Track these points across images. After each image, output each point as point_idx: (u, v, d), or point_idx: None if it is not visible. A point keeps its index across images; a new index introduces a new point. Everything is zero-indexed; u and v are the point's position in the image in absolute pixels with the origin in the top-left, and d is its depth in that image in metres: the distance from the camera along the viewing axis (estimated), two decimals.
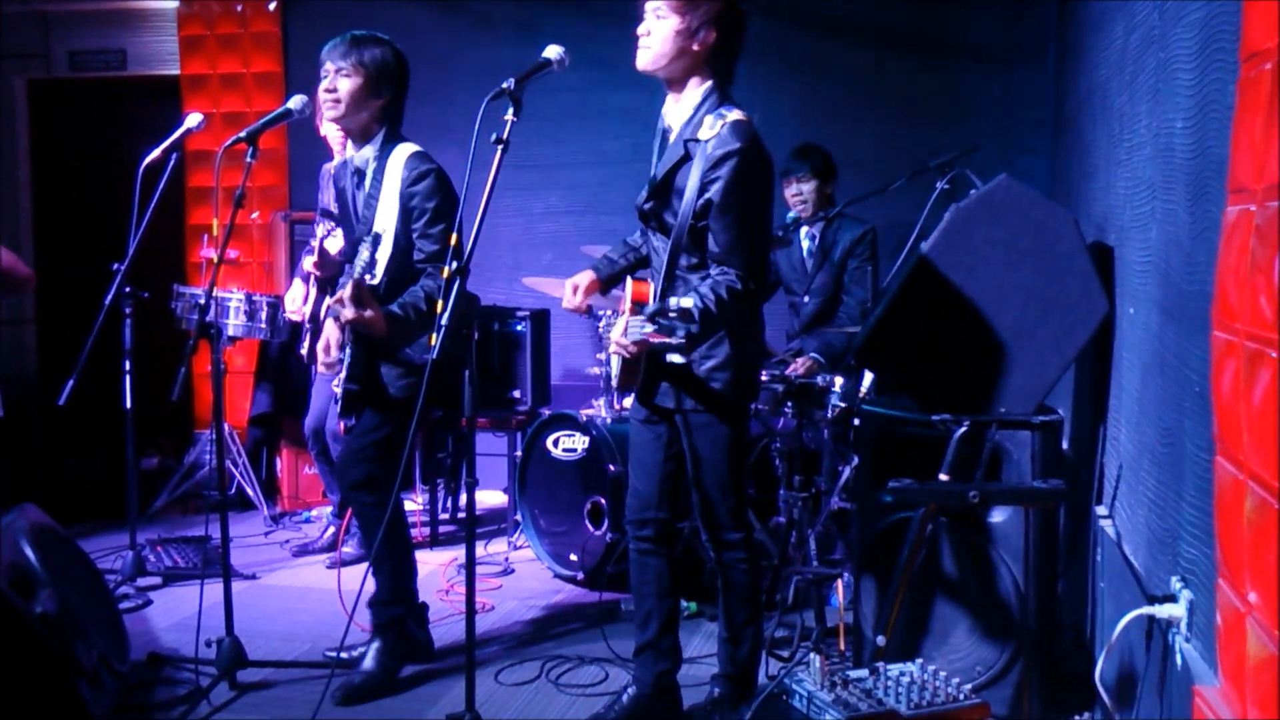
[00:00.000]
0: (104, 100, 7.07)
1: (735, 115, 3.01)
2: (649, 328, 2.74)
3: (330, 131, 4.91)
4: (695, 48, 3.00)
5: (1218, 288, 1.88)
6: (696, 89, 3.06)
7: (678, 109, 3.10)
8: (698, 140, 3.00)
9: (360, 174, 3.66)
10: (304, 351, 5.10)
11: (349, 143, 3.71)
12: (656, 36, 2.98)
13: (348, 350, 3.57)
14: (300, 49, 6.55)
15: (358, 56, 3.55)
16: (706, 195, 2.96)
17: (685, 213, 3.00)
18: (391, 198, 3.55)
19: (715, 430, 3.15)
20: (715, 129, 2.97)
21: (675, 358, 2.88)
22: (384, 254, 3.53)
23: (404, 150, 3.61)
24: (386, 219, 3.55)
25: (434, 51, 6.23)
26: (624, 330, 2.91)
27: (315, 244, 4.54)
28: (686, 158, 3.02)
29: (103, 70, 6.95)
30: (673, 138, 3.09)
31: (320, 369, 3.77)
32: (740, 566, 3.25)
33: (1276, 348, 1.58)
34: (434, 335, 2.82)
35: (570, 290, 3.33)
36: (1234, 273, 1.79)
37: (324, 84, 3.58)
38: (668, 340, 2.74)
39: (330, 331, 3.69)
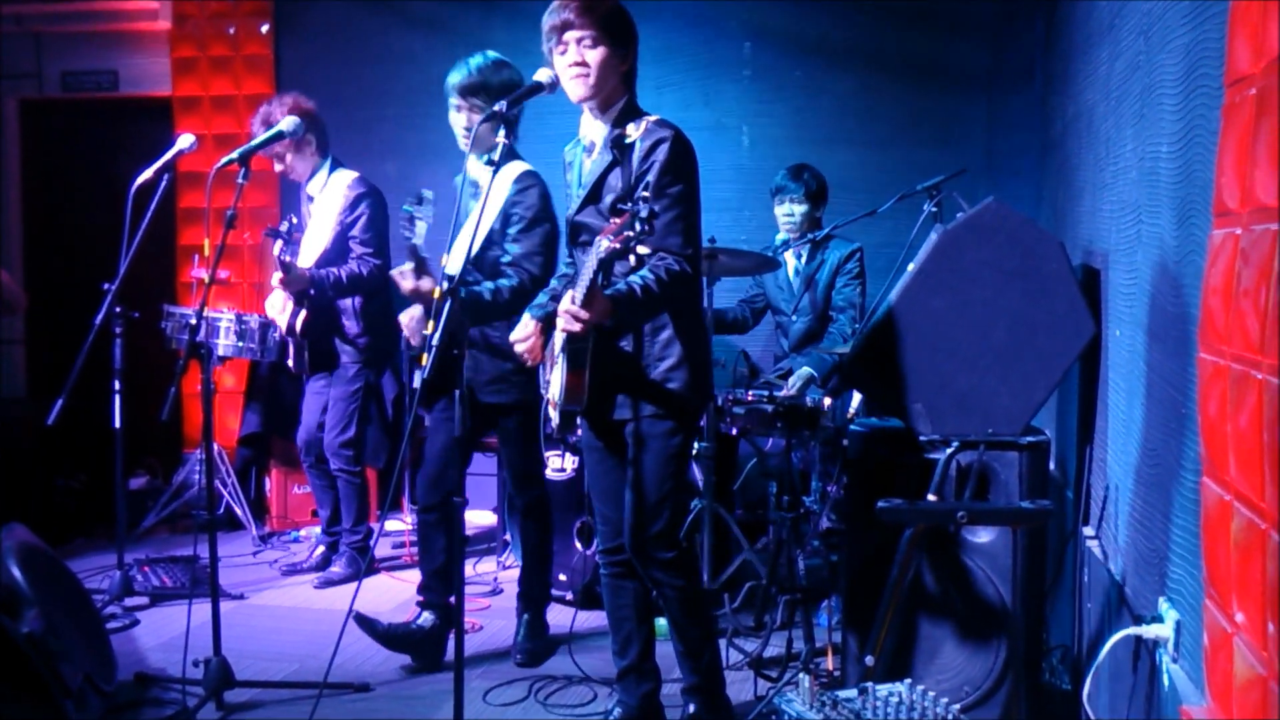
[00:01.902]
0: (96, 121, 7.07)
1: (655, 117, 3.14)
2: (605, 242, 2.72)
3: (285, 161, 5.01)
4: (623, 69, 3.13)
5: (1204, 310, 1.90)
6: (616, 105, 3.15)
7: (597, 125, 3.18)
8: (625, 145, 3.09)
9: (476, 186, 3.96)
10: (290, 363, 5.11)
11: (470, 157, 3.94)
12: (593, 66, 3.06)
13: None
14: (292, 71, 6.56)
15: (487, 91, 3.81)
16: (645, 182, 3.02)
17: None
18: (494, 207, 3.91)
19: (669, 439, 3.13)
20: (641, 128, 3.09)
21: (643, 250, 2.80)
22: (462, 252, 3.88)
23: (518, 166, 3.94)
24: (485, 225, 3.88)
25: (428, 75, 6.21)
26: (570, 298, 2.90)
27: (275, 258, 4.61)
28: (616, 162, 3.10)
29: (95, 91, 6.95)
30: (598, 149, 3.17)
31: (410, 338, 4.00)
32: (678, 584, 3.20)
33: (1262, 370, 1.59)
34: (424, 355, 2.83)
35: (524, 341, 3.35)
36: (1220, 295, 1.81)
37: (460, 119, 3.88)
38: (632, 231, 2.70)
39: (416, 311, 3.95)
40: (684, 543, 3.26)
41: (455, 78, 3.87)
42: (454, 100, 3.89)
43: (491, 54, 3.92)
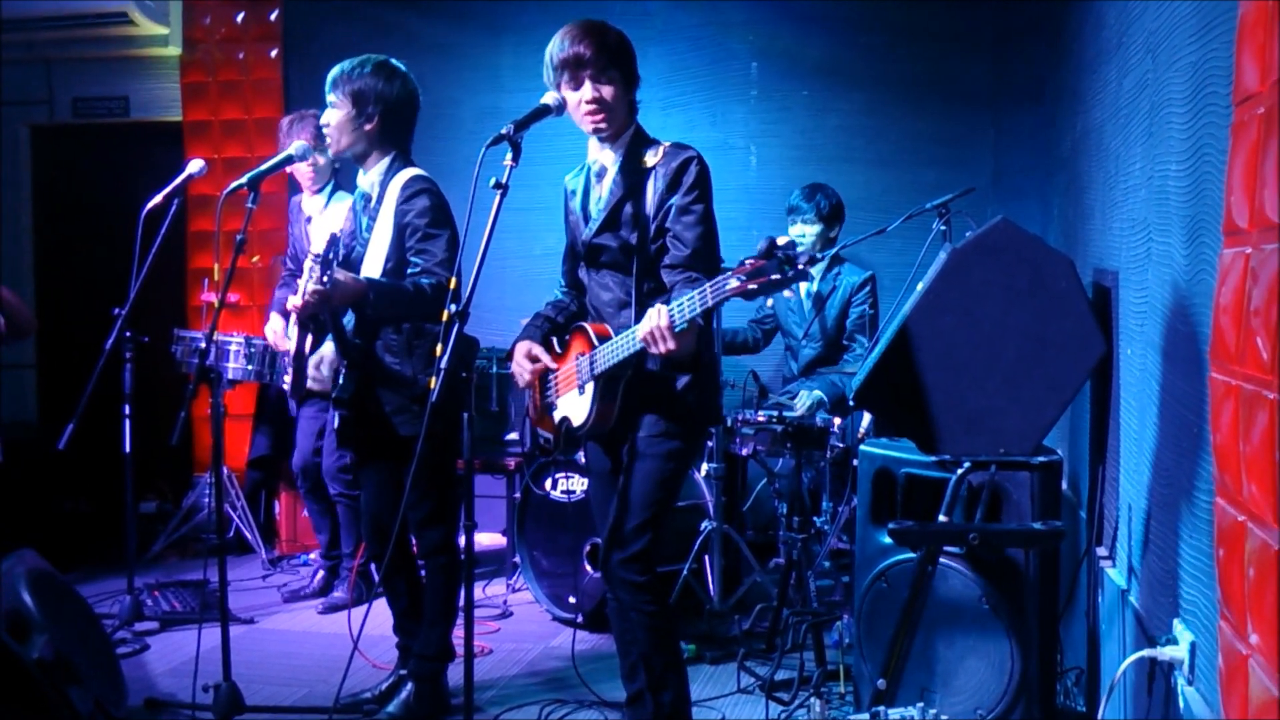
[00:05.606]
0: (107, 146, 7.11)
1: (669, 142, 3.15)
2: (733, 282, 2.48)
3: (300, 170, 5.02)
4: (632, 100, 3.17)
5: (1214, 329, 1.89)
6: (627, 131, 3.17)
7: (608, 152, 3.19)
8: (643, 169, 3.10)
9: (368, 199, 3.73)
10: (286, 385, 5.09)
11: (360, 171, 3.74)
12: (611, 101, 3.08)
13: (341, 372, 3.61)
14: (301, 96, 6.58)
15: (345, 86, 3.61)
16: (669, 203, 3.04)
17: (646, 233, 3.08)
18: (387, 219, 3.62)
19: (666, 462, 3.09)
20: (659, 154, 3.11)
21: (792, 291, 2.60)
22: (374, 273, 3.60)
23: (405, 174, 3.65)
24: (382, 240, 3.62)
25: (436, 98, 6.22)
26: (666, 315, 2.75)
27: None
28: (636, 187, 3.10)
29: (105, 116, 6.99)
30: (611, 174, 3.17)
31: (311, 384, 3.76)
32: (647, 609, 3.14)
33: (1274, 389, 1.58)
34: (434, 379, 2.82)
35: (527, 362, 3.27)
36: (1230, 314, 1.80)
37: (333, 115, 3.66)
38: (779, 276, 2.50)
39: (324, 350, 3.72)
40: (657, 568, 3.19)
41: (339, 72, 3.62)
42: (333, 97, 3.62)
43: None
